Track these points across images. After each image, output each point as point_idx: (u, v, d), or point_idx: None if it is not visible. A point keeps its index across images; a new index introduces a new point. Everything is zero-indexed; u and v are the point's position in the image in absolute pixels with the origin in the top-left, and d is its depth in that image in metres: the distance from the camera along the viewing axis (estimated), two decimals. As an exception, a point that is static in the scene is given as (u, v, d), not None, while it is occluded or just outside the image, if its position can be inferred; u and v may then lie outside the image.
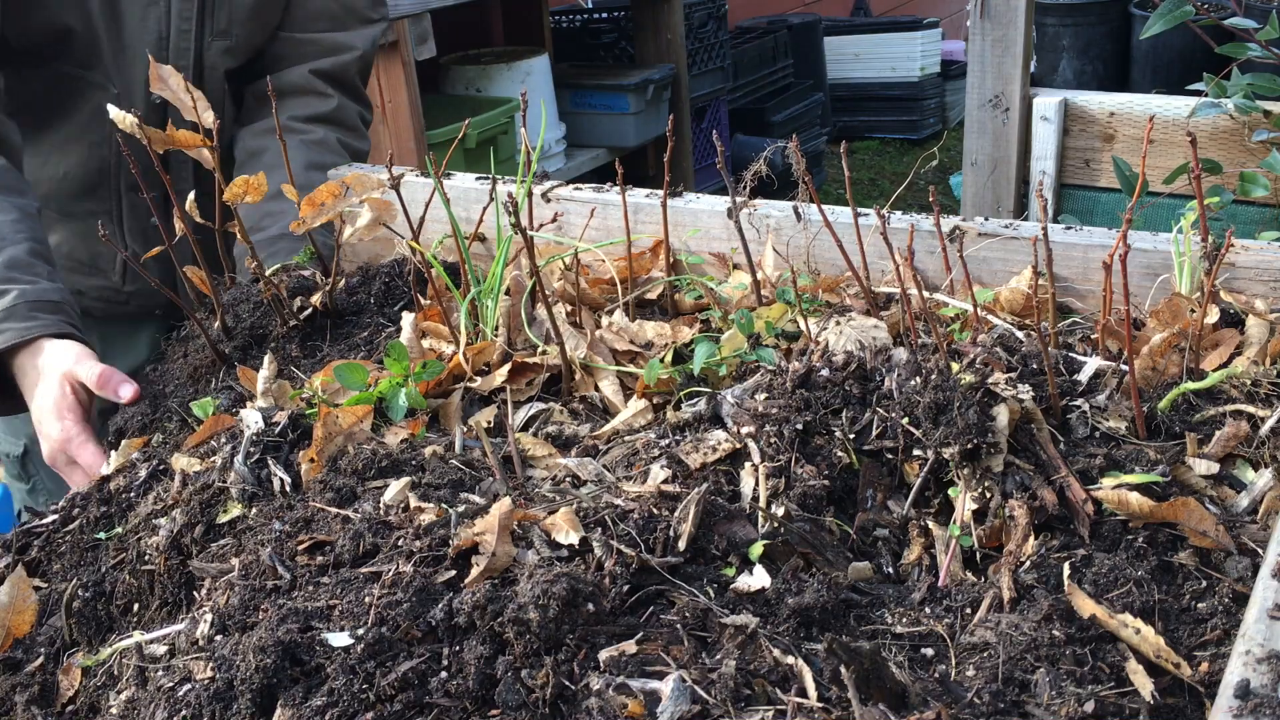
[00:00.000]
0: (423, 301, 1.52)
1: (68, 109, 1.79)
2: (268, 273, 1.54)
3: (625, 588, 0.97)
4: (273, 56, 1.89)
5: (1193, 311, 1.23)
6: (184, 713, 0.92)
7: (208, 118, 1.47)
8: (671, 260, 1.58)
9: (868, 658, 0.85)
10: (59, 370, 1.47)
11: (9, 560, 1.27)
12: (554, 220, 1.64)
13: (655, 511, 1.04)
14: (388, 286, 1.62)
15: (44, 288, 1.53)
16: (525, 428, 1.31)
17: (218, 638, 1.00)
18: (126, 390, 1.46)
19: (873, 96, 7.03)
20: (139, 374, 1.55)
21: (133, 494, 1.28)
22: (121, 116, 1.41)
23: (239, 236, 1.50)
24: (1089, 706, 0.85)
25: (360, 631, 0.92)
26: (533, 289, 1.44)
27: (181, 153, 1.50)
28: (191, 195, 1.49)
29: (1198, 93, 2.49)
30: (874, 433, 1.14)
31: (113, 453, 1.38)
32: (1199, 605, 0.96)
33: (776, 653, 0.91)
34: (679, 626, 0.93)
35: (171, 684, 0.96)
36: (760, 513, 1.07)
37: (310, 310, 1.54)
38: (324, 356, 1.49)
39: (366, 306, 1.59)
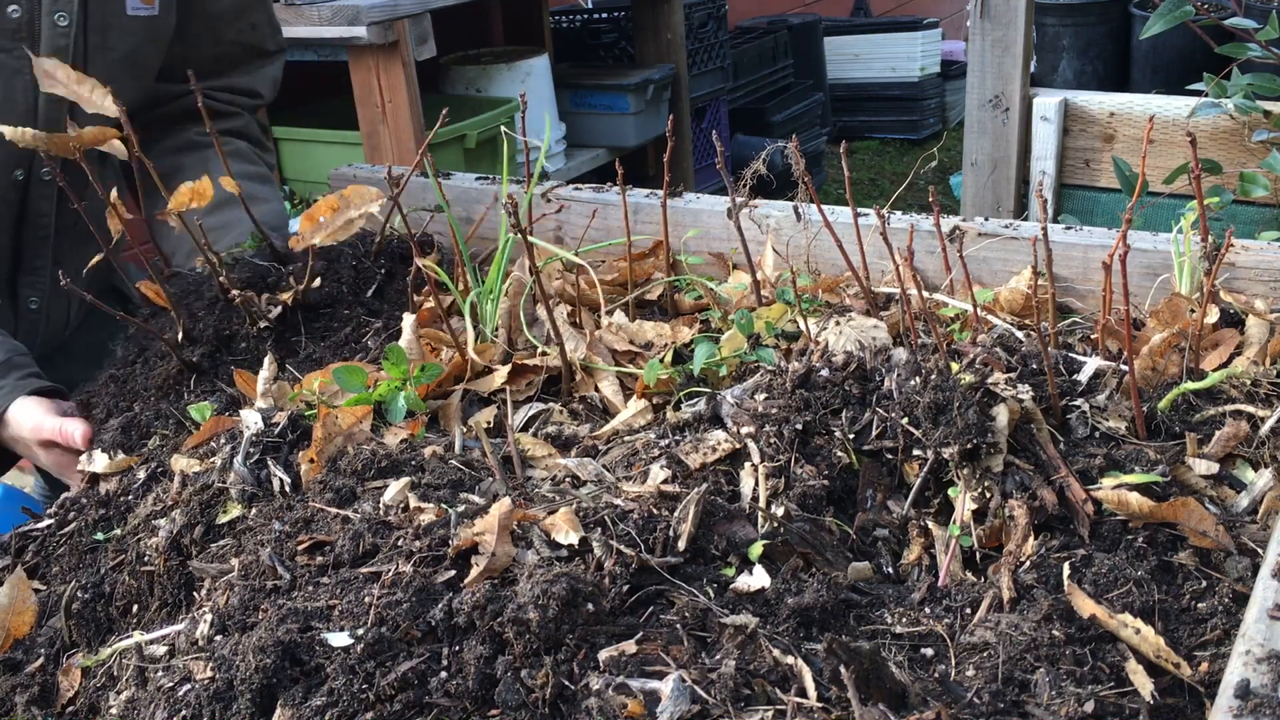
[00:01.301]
0: (416, 299, 1.51)
1: None
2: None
3: (625, 588, 0.97)
4: (163, 94, 1.80)
5: (1193, 311, 1.23)
6: (184, 713, 0.92)
7: (108, 105, 1.40)
8: (671, 260, 1.58)
9: (868, 658, 0.85)
10: (29, 442, 1.49)
11: (8, 561, 1.27)
12: (556, 230, 1.64)
13: (655, 511, 1.04)
14: (356, 271, 1.54)
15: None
16: (525, 428, 1.31)
17: (218, 638, 1.00)
18: (78, 439, 1.44)
19: (873, 96, 7.02)
20: (102, 380, 1.52)
21: (131, 496, 1.28)
22: (19, 133, 1.36)
23: (182, 230, 1.44)
24: (1089, 706, 0.85)
25: (360, 631, 0.92)
26: (533, 290, 1.44)
27: (97, 156, 1.44)
28: (114, 192, 1.44)
29: (1198, 93, 2.49)
30: (874, 433, 1.14)
31: (99, 455, 1.37)
32: (1199, 605, 0.96)
33: (776, 653, 0.91)
34: (679, 626, 0.93)
35: (171, 684, 0.96)
36: (760, 513, 1.07)
37: (280, 308, 1.48)
38: (309, 354, 1.46)
39: (340, 296, 1.51)
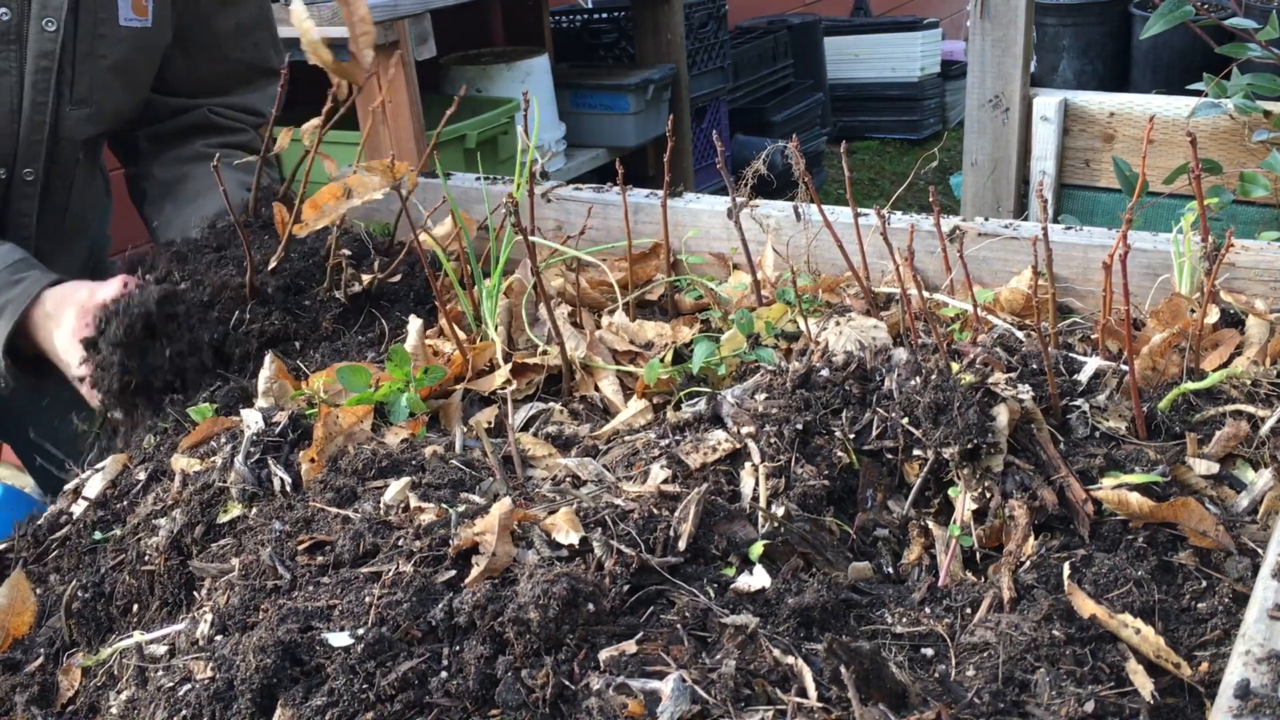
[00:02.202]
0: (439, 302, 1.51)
1: None
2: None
3: (625, 588, 0.97)
4: (168, 108, 1.82)
5: (1193, 311, 1.23)
6: (184, 713, 0.92)
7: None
8: (671, 260, 1.58)
9: (868, 658, 0.85)
10: (70, 305, 1.43)
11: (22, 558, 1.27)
12: (556, 230, 1.64)
13: (655, 511, 1.04)
14: (428, 285, 1.55)
15: (5, 250, 1.48)
16: (525, 428, 1.31)
17: (218, 638, 1.00)
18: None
19: (873, 96, 7.02)
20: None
21: (131, 496, 1.28)
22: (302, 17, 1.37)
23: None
24: (1089, 706, 0.85)
25: (360, 631, 0.92)
26: (534, 289, 1.44)
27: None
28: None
29: (1198, 93, 2.49)
30: (874, 433, 1.14)
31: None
32: (1199, 605, 0.96)
33: (776, 653, 0.91)
34: (679, 626, 0.93)
35: (171, 684, 0.96)
36: (760, 513, 1.07)
37: (358, 288, 1.48)
38: (346, 345, 1.47)
39: (401, 295, 1.53)
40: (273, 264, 1.48)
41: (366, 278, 1.51)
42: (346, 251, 1.54)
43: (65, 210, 1.74)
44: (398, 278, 1.53)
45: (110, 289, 1.43)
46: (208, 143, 1.75)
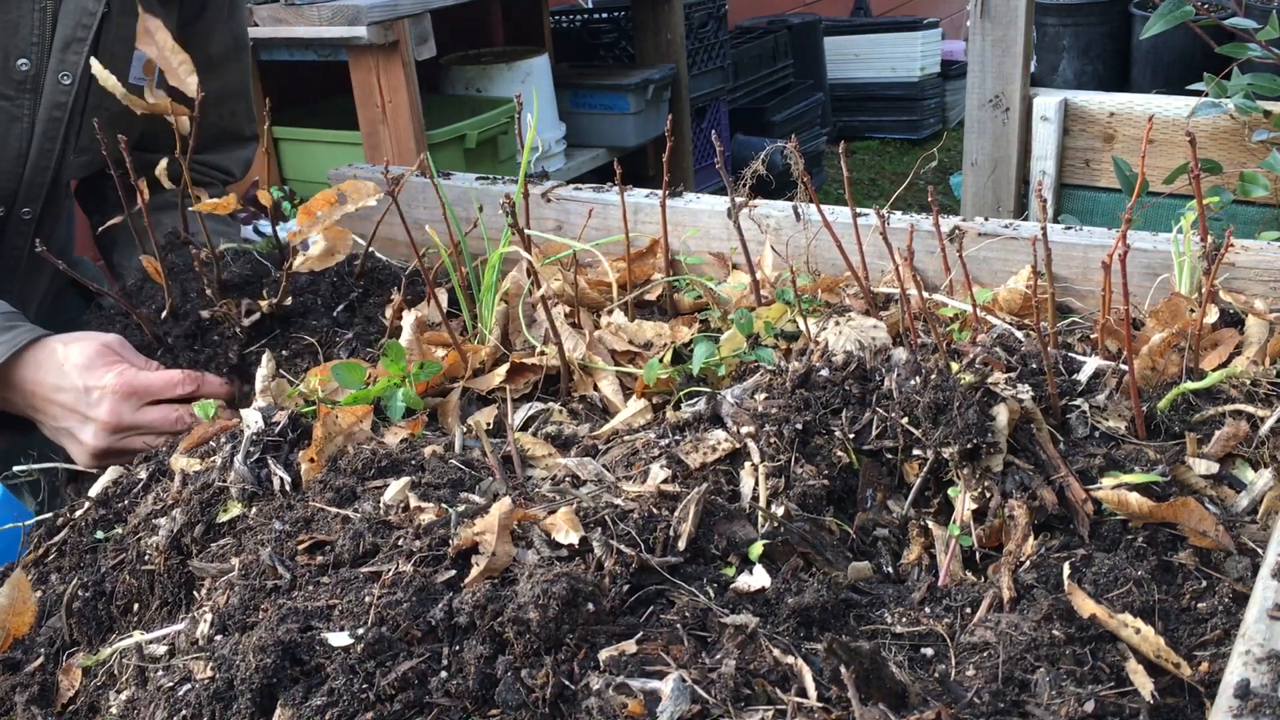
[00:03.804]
0: (391, 316, 1.51)
1: None
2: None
3: (625, 588, 0.97)
4: (140, 161, 1.83)
5: (1192, 311, 1.23)
6: (184, 713, 0.92)
7: (191, 83, 1.42)
8: (670, 260, 1.58)
9: (868, 658, 0.85)
10: (89, 340, 1.39)
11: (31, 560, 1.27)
12: (556, 230, 1.63)
13: (655, 511, 1.04)
14: (335, 288, 1.57)
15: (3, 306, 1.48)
16: (525, 427, 1.31)
17: (218, 638, 1.00)
18: (215, 382, 1.40)
19: (873, 96, 7.03)
20: None
21: (133, 495, 1.28)
22: (104, 75, 1.38)
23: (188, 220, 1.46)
24: (1089, 706, 0.85)
25: (360, 631, 0.92)
26: (531, 290, 1.44)
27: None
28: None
29: (1198, 93, 2.49)
30: (874, 433, 1.14)
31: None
32: (1199, 605, 0.96)
33: (776, 653, 0.91)
34: (679, 626, 0.93)
35: (171, 684, 0.96)
36: (760, 513, 1.07)
37: (258, 315, 1.48)
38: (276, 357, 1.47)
39: (314, 308, 1.53)
40: (165, 313, 1.49)
41: (264, 304, 1.49)
42: (231, 271, 1.54)
43: (50, 238, 1.78)
44: (289, 301, 1.52)
45: (152, 373, 1.42)
46: (175, 192, 1.79)
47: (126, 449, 1.38)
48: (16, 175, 1.67)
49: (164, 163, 1.43)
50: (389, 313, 1.49)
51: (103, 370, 1.36)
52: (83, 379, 1.36)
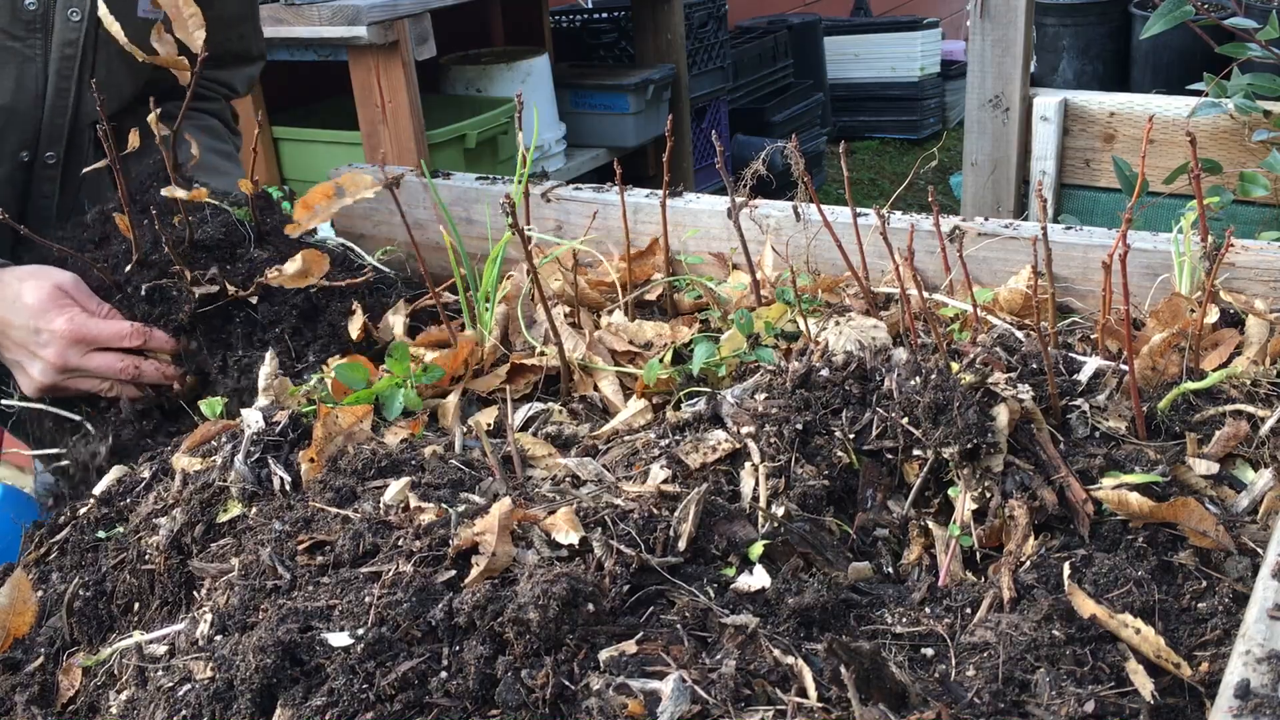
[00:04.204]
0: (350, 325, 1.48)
1: None
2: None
3: (625, 588, 0.97)
4: (154, 80, 1.84)
5: (1193, 311, 1.23)
6: (184, 713, 0.92)
7: (198, 38, 1.42)
8: (670, 259, 1.58)
9: (868, 658, 0.85)
10: (44, 279, 1.41)
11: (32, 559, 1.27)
12: (556, 230, 1.63)
13: (655, 511, 1.04)
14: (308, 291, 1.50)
15: None
16: (525, 428, 1.31)
17: (218, 638, 1.00)
18: (162, 338, 1.40)
19: (873, 96, 7.03)
20: None
21: (135, 494, 1.28)
22: (109, 18, 1.37)
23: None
24: (1089, 706, 0.85)
25: (360, 631, 0.92)
26: (531, 290, 1.44)
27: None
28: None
29: (1198, 93, 2.50)
30: (874, 433, 1.14)
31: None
32: (1199, 605, 0.96)
33: (776, 653, 0.91)
34: (679, 626, 0.93)
35: (171, 684, 0.96)
36: (760, 513, 1.07)
37: (216, 289, 1.43)
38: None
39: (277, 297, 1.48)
40: (132, 262, 1.45)
41: (231, 287, 1.44)
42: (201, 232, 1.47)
43: (79, 190, 1.79)
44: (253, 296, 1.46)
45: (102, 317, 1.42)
46: (176, 104, 1.80)
47: (72, 388, 1.44)
48: (36, 118, 1.68)
49: (155, 114, 1.41)
50: (353, 328, 1.46)
51: (54, 314, 1.40)
52: (34, 320, 1.41)
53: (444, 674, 0.89)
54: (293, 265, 1.44)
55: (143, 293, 1.45)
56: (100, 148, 1.73)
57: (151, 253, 1.47)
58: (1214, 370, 1.18)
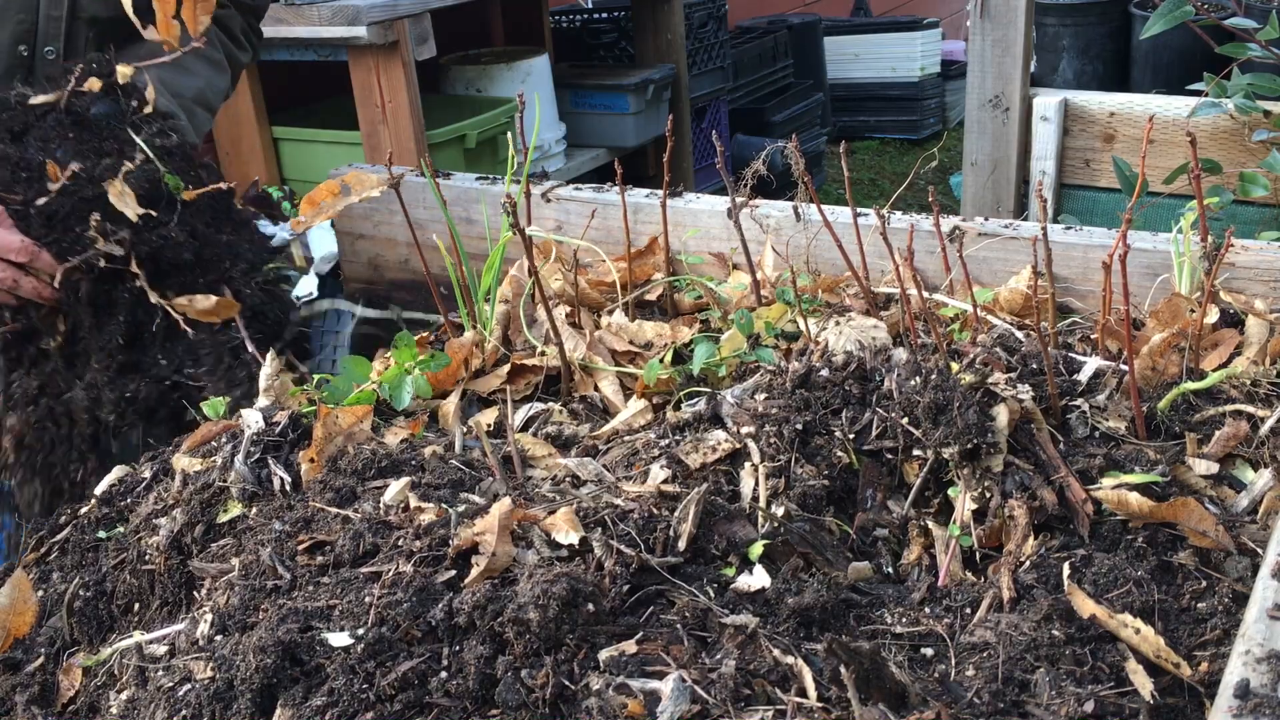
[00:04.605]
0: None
1: None
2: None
3: (625, 588, 0.97)
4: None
5: (1192, 311, 1.23)
6: (184, 713, 0.92)
7: None
8: (670, 259, 1.58)
9: (868, 658, 0.85)
10: None
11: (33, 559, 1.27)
12: (556, 230, 1.63)
13: (655, 511, 1.04)
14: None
15: None
16: (525, 428, 1.31)
17: (218, 638, 1.00)
18: (48, 262, 1.39)
19: (873, 96, 7.02)
20: None
21: (136, 494, 1.28)
22: None
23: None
24: (1089, 706, 0.85)
25: (360, 631, 0.92)
26: (532, 290, 1.44)
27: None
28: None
29: (1198, 93, 2.49)
30: (874, 433, 1.14)
31: None
32: (1199, 605, 0.96)
33: (776, 653, 0.91)
34: (679, 626, 0.93)
35: (171, 684, 0.96)
36: (760, 513, 1.07)
37: (114, 251, 1.40)
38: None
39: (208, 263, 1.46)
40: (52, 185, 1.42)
41: (119, 250, 1.40)
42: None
43: None
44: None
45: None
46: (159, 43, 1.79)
47: None
48: (33, 7, 1.68)
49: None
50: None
51: None
52: None
53: (444, 674, 0.89)
54: (203, 303, 1.43)
55: (43, 218, 1.43)
56: (99, 48, 1.75)
57: (81, 174, 1.43)
58: (1214, 370, 1.18)
